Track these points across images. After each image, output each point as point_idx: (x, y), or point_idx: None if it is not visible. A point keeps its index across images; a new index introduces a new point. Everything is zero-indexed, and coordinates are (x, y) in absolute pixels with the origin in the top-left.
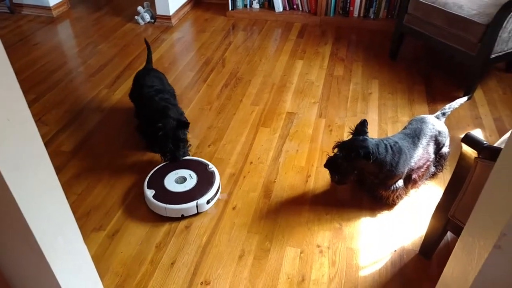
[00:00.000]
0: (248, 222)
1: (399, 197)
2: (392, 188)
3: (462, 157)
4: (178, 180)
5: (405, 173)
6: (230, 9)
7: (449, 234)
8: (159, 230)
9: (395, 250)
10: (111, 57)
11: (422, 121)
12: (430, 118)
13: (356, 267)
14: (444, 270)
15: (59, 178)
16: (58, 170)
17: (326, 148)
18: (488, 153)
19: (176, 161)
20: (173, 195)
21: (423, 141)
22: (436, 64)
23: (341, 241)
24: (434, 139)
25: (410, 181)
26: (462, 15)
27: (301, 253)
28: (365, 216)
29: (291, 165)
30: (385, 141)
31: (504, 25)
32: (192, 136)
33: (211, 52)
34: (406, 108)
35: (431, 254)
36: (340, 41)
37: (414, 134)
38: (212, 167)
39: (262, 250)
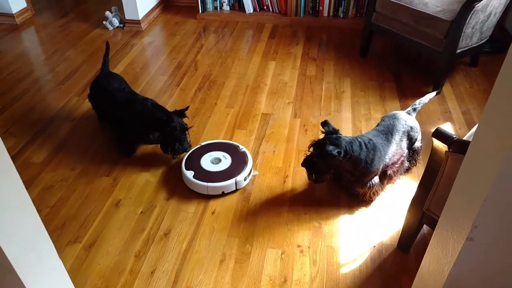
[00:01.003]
0: (228, 226)
1: (376, 193)
2: (368, 184)
3: (433, 151)
4: (214, 161)
5: (380, 169)
6: (200, 11)
7: (425, 227)
8: (137, 238)
9: (374, 246)
10: (80, 64)
11: (394, 117)
12: (402, 114)
13: (336, 265)
14: (421, 264)
15: (29, 192)
16: (29, 183)
17: (302, 147)
18: (458, 146)
19: (187, 151)
20: (212, 174)
21: (397, 137)
22: (405, 61)
23: (321, 239)
24: (406, 134)
25: (385, 177)
26: (428, 12)
27: (282, 254)
28: (344, 213)
29: (268, 166)
30: (359, 139)
31: (467, 21)
32: None
33: (183, 55)
34: (378, 105)
35: (408, 248)
36: (311, 41)
37: (387, 131)
38: (242, 148)
39: (243, 253)
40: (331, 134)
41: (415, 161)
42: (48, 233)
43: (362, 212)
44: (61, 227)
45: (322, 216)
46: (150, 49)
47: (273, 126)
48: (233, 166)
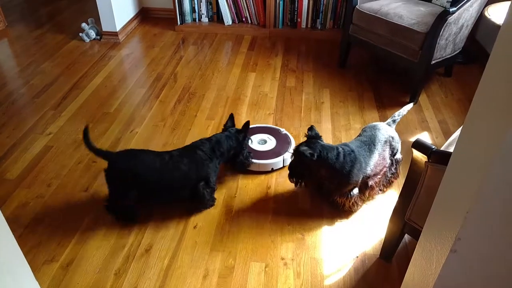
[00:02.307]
0: (210, 240)
1: (355, 204)
2: (347, 195)
3: (413, 162)
4: (260, 142)
5: (359, 181)
6: (178, 23)
7: (406, 237)
8: (117, 256)
9: (357, 256)
10: (55, 76)
11: (376, 128)
12: (382, 125)
13: (321, 276)
14: (406, 275)
15: (3, 210)
16: (2, 201)
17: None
18: (437, 157)
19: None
20: (261, 153)
21: (379, 147)
22: (383, 71)
23: (305, 251)
24: (388, 144)
25: (367, 188)
26: (403, 24)
27: (266, 267)
28: (326, 224)
29: (250, 178)
30: (340, 148)
31: (441, 33)
32: None
33: (162, 67)
34: (357, 115)
35: (391, 257)
36: (290, 52)
37: (370, 141)
38: (283, 130)
39: (226, 267)
40: (312, 138)
41: (396, 172)
42: (24, 253)
43: (344, 223)
44: (37, 246)
45: (305, 227)
46: (128, 61)
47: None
48: (278, 146)
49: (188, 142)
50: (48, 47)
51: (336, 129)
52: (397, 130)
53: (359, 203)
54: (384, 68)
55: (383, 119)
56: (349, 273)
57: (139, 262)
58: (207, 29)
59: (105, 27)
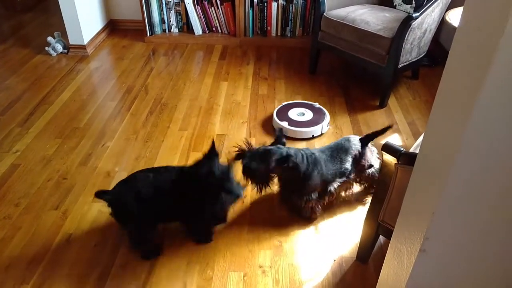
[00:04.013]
0: (187, 252)
1: (313, 209)
2: (305, 198)
3: (384, 164)
4: (299, 114)
5: (319, 184)
6: (148, 34)
7: (381, 238)
8: (92, 274)
9: (334, 260)
10: (21, 92)
11: (348, 139)
12: (355, 139)
13: (299, 282)
14: (380, 276)
15: None
16: None
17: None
18: (406, 159)
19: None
20: (301, 123)
21: (342, 156)
22: (352, 76)
23: (283, 258)
24: (353, 157)
25: (326, 193)
26: (370, 30)
27: (244, 276)
28: (303, 229)
29: None
30: (301, 151)
31: (406, 37)
32: (120, 169)
33: (133, 79)
34: (329, 120)
35: (367, 259)
36: (262, 60)
37: (335, 148)
38: (316, 104)
39: (204, 279)
40: (278, 141)
41: (370, 185)
42: None
43: (320, 227)
44: (5, 270)
45: (281, 234)
46: (98, 74)
47: (229, 146)
48: (315, 117)
49: (161, 154)
50: (12, 62)
51: None
52: (367, 132)
53: (318, 209)
54: (354, 73)
55: (354, 123)
56: (327, 277)
57: (114, 279)
58: (177, 39)
59: (72, 40)
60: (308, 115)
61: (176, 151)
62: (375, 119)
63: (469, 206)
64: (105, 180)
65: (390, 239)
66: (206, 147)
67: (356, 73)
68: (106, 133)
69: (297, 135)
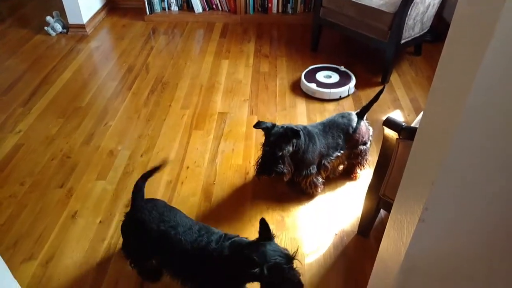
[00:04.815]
0: None
1: (315, 184)
2: (304, 173)
3: (385, 139)
4: (326, 76)
5: (316, 158)
6: (148, 13)
7: (382, 212)
8: (98, 249)
9: (336, 234)
10: (21, 73)
11: (342, 115)
12: (351, 114)
13: (301, 255)
14: (380, 247)
15: None
16: None
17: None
18: (407, 133)
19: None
20: (329, 85)
21: (334, 131)
22: (354, 53)
23: (285, 232)
24: (345, 132)
25: (321, 167)
26: (371, 5)
27: None
28: (304, 205)
29: (228, 164)
30: (295, 127)
31: (408, 12)
32: (123, 148)
33: (133, 58)
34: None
35: (368, 232)
36: (263, 38)
37: (328, 124)
38: (342, 67)
39: None
40: (272, 127)
41: (361, 163)
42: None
43: (321, 202)
44: (13, 246)
45: (284, 209)
46: (98, 54)
47: (231, 124)
48: (342, 79)
49: (163, 132)
50: (11, 43)
51: (311, 112)
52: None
53: (319, 183)
54: (356, 50)
55: (356, 99)
56: (328, 250)
57: (120, 254)
58: (177, 17)
59: (72, 20)
60: (335, 77)
61: (178, 130)
62: None
63: (468, 177)
64: (108, 159)
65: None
66: (208, 125)
67: (358, 50)
68: (108, 112)
69: (324, 96)
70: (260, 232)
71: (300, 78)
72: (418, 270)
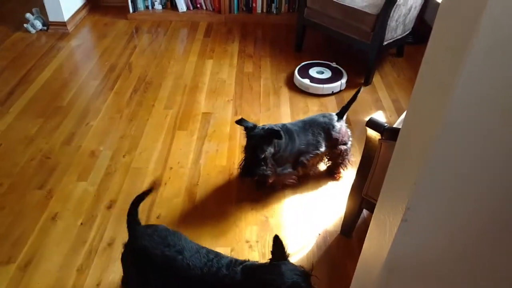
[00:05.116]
0: (175, 229)
1: (283, 182)
2: (278, 171)
3: (368, 139)
4: (319, 72)
5: (293, 155)
6: (131, 11)
7: (365, 212)
8: (78, 252)
9: (319, 234)
10: (0, 71)
11: (323, 115)
12: (331, 115)
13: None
14: (363, 247)
15: None
16: None
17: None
18: (389, 134)
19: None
20: (322, 80)
21: (314, 129)
22: (338, 54)
23: (269, 233)
24: (325, 131)
25: (298, 164)
26: (355, 7)
27: (231, 251)
28: (288, 205)
29: (212, 165)
30: (275, 127)
31: (391, 14)
32: (104, 148)
33: (115, 57)
34: (315, 98)
35: (351, 232)
36: (247, 38)
37: (308, 122)
38: (334, 63)
39: None
40: (253, 128)
41: (341, 163)
42: None
43: (305, 202)
44: None
45: (268, 210)
46: (79, 52)
47: (215, 125)
48: (334, 75)
49: (146, 133)
50: None
51: (294, 113)
52: (351, 110)
53: (290, 180)
54: (339, 51)
55: (339, 100)
56: (312, 250)
57: (102, 256)
58: (161, 16)
59: (52, 17)
60: (327, 73)
61: (162, 130)
62: (360, 96)
63: (450, 177)
64: (89, 160)
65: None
66: (192, 125)
67: (342, 51)
68: (90, 112)
69: (318, 91)
70: (273, 252)
71: (286, 77)
72: (401, 269)
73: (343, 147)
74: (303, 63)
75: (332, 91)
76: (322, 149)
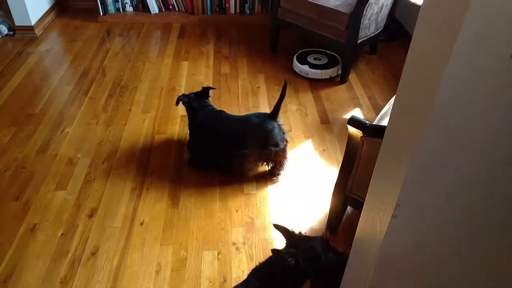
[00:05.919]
0: (159, 235)
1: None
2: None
3: (350, 137)
4: (316, 58)
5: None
6: (101, 14)
7: (349, 209)
8: (61, 263)
9: (305, 232)
10: None
11: (258, 115)
12: (265, 116)
13: None
14: (353, 243)
15: None
16: None
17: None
18: (371, 131)
19: None
20: (320, 65)
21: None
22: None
23: (255, 234)
24: (255, 131)
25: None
26: (329, 6)
27: (218, 254)
28: (273, 205)
29: (195, 170)
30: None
31: (364, 12)
32: (82, 155)
33: (88, 61)
34: (293, 98)
35: (336, 229)
36: (222, 39)
37: (242, 119)
38: (328, 51)
39: (178, 260)
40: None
41: (279, 166)
42: None
43: (290, 202)
44: None
45: (253, 211)
46: (49, 57)
47: None
48: (330, 60)
49: (124, 138)
50: None
51: None
52: (330, 108)
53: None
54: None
55: (317, 99)
56: None
57: (86, 266)
58: (132, 18)
59: (18, 21)
60: (324, 59)
61: (140, 134)
62: (337, 95)
63: (439, 172)
64: (67, 168)
65: (358, 209)
66: (171, 128)
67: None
68: (65, 119)
69: (316, 76)
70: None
71: (263, 77)
72: (392, 265)
73: (273, 149)
74: (300, 51)
75: (330, 76)
76: (247, 149)
